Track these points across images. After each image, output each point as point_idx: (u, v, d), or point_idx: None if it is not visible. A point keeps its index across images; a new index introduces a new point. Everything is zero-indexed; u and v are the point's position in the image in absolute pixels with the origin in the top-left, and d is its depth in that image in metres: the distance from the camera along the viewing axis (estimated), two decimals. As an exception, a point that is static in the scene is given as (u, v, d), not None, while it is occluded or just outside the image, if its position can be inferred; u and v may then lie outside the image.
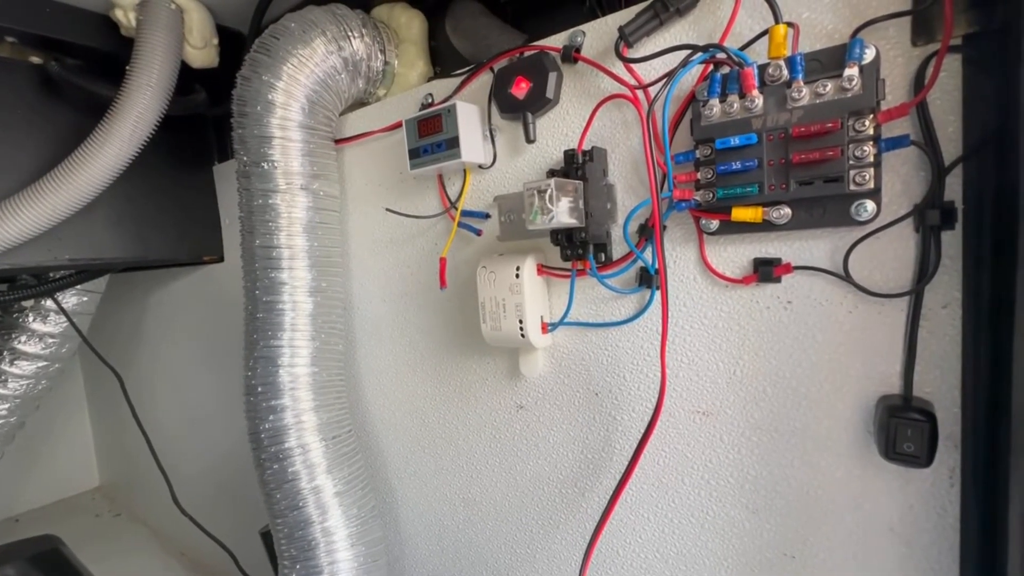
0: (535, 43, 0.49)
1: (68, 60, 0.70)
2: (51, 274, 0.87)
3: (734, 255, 0.43)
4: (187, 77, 0.70)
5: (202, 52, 0.71)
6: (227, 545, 0.94)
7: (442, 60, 0.66)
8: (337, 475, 0.61)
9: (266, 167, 0.59)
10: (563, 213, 0.42)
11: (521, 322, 0.50)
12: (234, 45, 0.76)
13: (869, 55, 0.34)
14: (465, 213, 0.57)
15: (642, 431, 0.44)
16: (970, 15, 0.33)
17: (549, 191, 0.40)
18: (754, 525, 0.45)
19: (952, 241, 0.35)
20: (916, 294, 0.36)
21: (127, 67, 0.64)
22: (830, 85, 0.35)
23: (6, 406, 0.97)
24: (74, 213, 0.65)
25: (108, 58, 0.70)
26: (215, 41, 0.73)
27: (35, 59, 0.70)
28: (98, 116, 0.63)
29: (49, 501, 1.47)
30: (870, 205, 0.36)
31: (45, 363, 0.98)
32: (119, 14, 0.66)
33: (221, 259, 0.92)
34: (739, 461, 0.45)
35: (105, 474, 1.55)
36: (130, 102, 0.63)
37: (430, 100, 0.58)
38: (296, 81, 0.57)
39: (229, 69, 0.73)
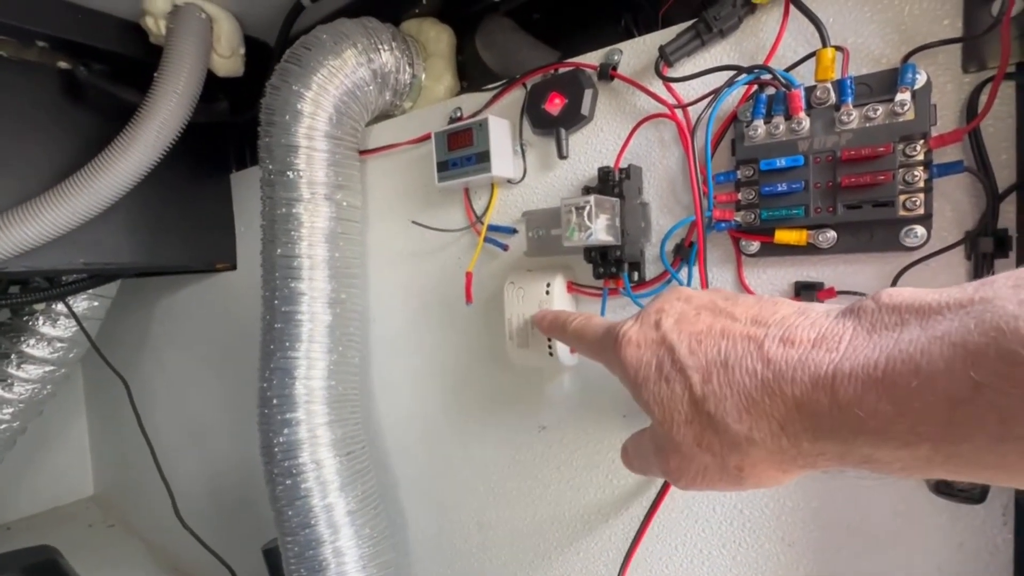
0: (571, 60, 0.49)
1: (96, 65, 0.71)
2: (64, 277, 0.86)
3: (774, 278, 0.42)
4: (211, 85, 0.70)
5: (229, 61, 0.72)
6: (226, 560, 0.92)
7: (469, 75, 0.66)
8: (350, 493, 0.59)
9: (291, 176, 0.58)
10: (601, 231, 0.41)
11: (549, 341, 0.48)
12: (259, 55, 0.76)
13: (921, 80, 0.34)
14: (492, 228, 0.56)
15: (675, 457, 0.43)
16: (1024, 43, 0.33)
17: (588, 208, 0.40)
18: (790, 559, 0.43)
19: (1006, 269, 0.34)
20: (967, 323, 0.35)
21: (155, 74, 0.64)
22: (881, 109, 0.34)
23: (10, 410, 0.95)
24: (93, 217, 0.64)
25: (135, 64, 0.70)
26: (242, 51, 0.73)
27: (63, 64, 0.70)
28: (122, 121, 0.63)
29: (42, 509, 1.44)
30: (920, 231, 0.35)
31: (52, 368, 0.96)
32: (150, 22, 0.66)
33: (234, 267, 0.91)
34: (775, 490, 0.43)
35: (100, 483, 1.51)
36: (156, 108, 0.63)
37: (459, 114, 0.58)
38: (325, 91, 0.57)
39: (253, 78, 0.73)
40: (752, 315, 0.25)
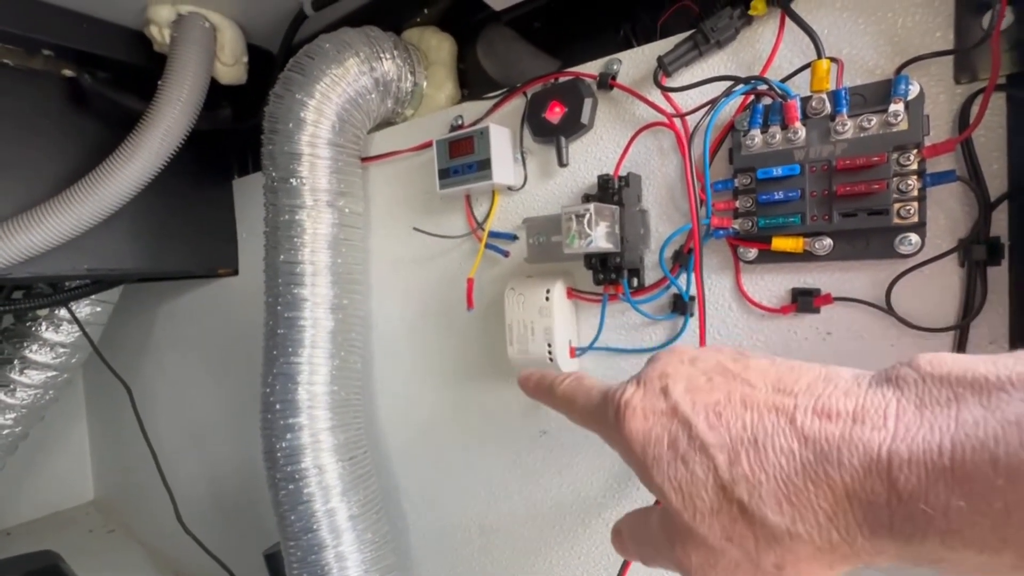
0: (571, 69, 0.50)
1: (100, 74, 0.71)
2: (67, 283, 0.87)
3: (771, 284, 0.42)
4: (214, 93, 0.71)
5: (232, 69, 0.72)
6: (229, 566, 0.92)
7: (470, 83, 0.67)
8: (352, 498, 0.59)
9: (294, 183, 0.59)
10: (600, 238, 0.42)
11: (550, 346, 0.49)
12: (262, 63, 0.77)
13: (914, 91, 0.35)
14: (493, 234, 0.57)
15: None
16: (1015, 55, 0.34)
17: (588, 215, 0.40)
18: None
19: (998, 277, 0.35)
20: (961, 329, 0.36)
21: (159, 82, 0.64)
22: (875, 119, 0.35)
23: (12, 415, 0.96)
24: (97, 223, 0.65)
25: (139, 73, 0.71)
26: (245, 59, 0.74)
27: (68, 72, 0.71)
28: (126, 129, 0.64)
29: (42, 514, 1.44)
30: (914, 238, 0.36)
31: (54, 373, 0.97)
32: (154, 30, 0.67)
33: (236, 272, 0.92)
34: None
35: (101, 488, 1.51)
36: (160, 115, 0.64)
37: (460, 122, 0.59)
38: (328, 99, 0.58)
39: (256, 86, 0.74)
40: (771, 382, 0.22)
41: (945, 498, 0.16)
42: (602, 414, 0.26)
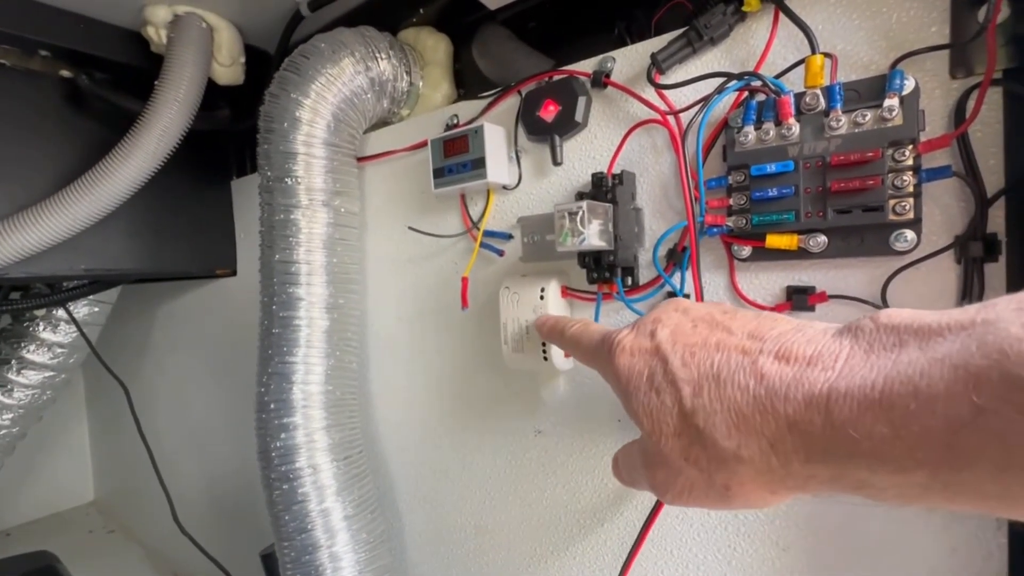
0: (564, 68, 0.50)
1: (98, 74, 0.71)
2: (64, 283, 0.87)
3: (766, 282, 0.42)
4: (212, 93, 0.71)
5: (229, 70, 0.72)
6: (225, 566, 0.91)
7: (466, 82, 0.67)
8: (347, 498, 0.59)
9: (289, 183, 0.59)
10: (594, 236, 0.41)
11: (544, 345, 0.49)
12: (259, 63, 0.77)
13: (909, 86, 0.34)
14: (487, 233, 0.57)
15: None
16: (1011, 49, 0.33)
17: (581, 213, 0.40)
18: (784, 563, 0.43)
19: (996, 273, 0.34)
20: (958, 327, 0.35)
21: (156, 82, 0.64)
22: (869, 115, 0.35)
23: (9, 416, 0.96)
24: (94, 223, 0.65)
25: (137, 73, 0.71)
26: (242, 59, 0.74)
27: (65, 73, 0.71)
28: (123, 129, 0.64)
29: (41, 515, 1.44)
30: (910, 235, 0.35)
31: (52, 373, 0.97)
32: (151, 31, 0.67)
33: (234, 273, 0.92)
34: (770, 495, 0.43)
35: (100, 489, 1.51)
36: (156, 116, 0.64)
37: (455, 121, 0.59)
38: (323, 99, 0.58)
39: (253, 86, 0.74)
40: (749, 330, 0.25)
41: (871, 425, 0.18)
42: (599, 351, 0.31)
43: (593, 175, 0.46)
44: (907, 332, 0.19)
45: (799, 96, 0.37)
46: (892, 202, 0.35)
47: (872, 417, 0.18)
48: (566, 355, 0.50)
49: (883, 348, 0.20)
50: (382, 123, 0.68)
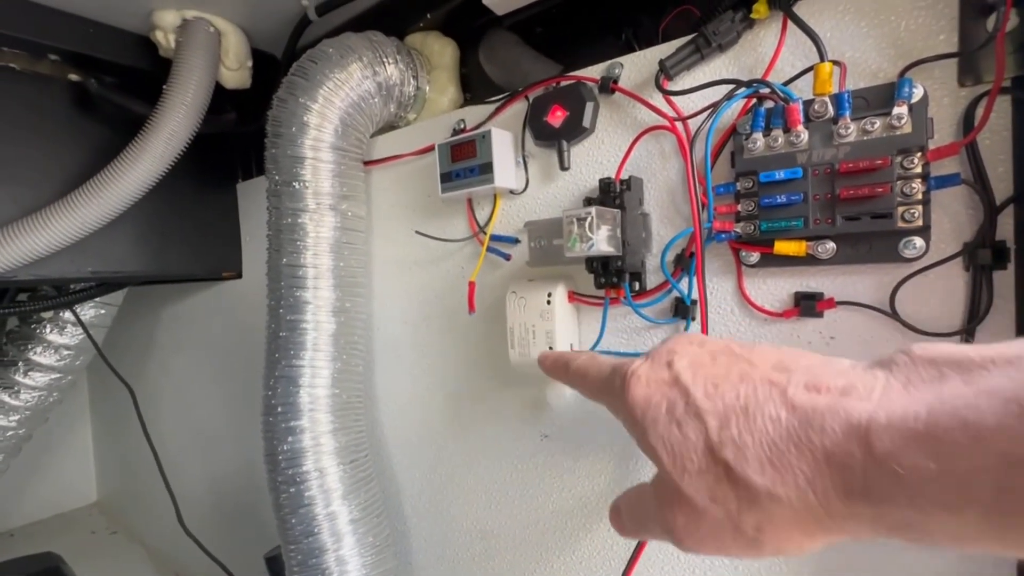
0: (572, 73, 0.50)
1: (106, 78, 0.72)
2: (71, 286, 0.87)
3: (774, 288, 0.42)
4: (219, 97, 0.71)
5: (236, 74, 0.73)
6: (229, 568, 0.92)
7: (472, 87, 0.67)
8: (353, 501, 0.59)
9: (297, 187, 0.59)
10: (602, 241, 0.41)
11: (551, 349, 0.49)
12: (266, 68, 0.77)
13: (918, 94, 0.34)
14: (494, 238, 0.57)
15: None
16: (1019, 57, 0.34)
17: (590, 219, 0.40)
18: (791, 565, 0.43)
19: (1005, 281, 0.34)
20: (967, 334, 0.35)
21: (164, 86, 0.65)
22: (878, 123, 0.35)
23: (16, 417, 0.96)
24: (102, 226, 0.65)
25: (145, 77, 0.71)
26: (249, 63, 0.74)
27: (74, 76, 0.71)
28: (131, 133, 0.64)
29: (45, 516, 1.44)
30: (919, 242, 0.35)
31: (58, 375, 0.97)
32: (159, 35, 0.67)
33: (240, 275, 0.92)
34: (777, 501, 0.43)
35: (104, 490, 1.52)
36: (164, 119, 0.64)
37: (462, 126, 0.59)
38: (331, 104, 0.58)
39: (260, 90, 0.75)
40: (773, 362, 0.23)
41: (916, 459, 0.17)
42: (611, 384, 0.28)
43: (601, 180, 0.46)
44: (947, 365, 0.18)
45: (808, 103, 0.37)
46: (901, 209, 0.35)
47: (916, 450, 0.17)
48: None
49: (922, 381, 0.18)
50: (389, 127, 0.68)
